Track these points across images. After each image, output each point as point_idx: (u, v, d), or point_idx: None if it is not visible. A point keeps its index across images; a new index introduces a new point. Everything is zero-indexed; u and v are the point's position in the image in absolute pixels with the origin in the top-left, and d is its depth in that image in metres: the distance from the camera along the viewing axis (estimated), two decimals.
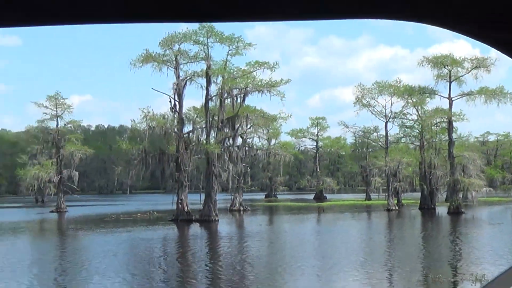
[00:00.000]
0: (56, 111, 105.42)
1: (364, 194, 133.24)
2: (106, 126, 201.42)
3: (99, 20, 2.68)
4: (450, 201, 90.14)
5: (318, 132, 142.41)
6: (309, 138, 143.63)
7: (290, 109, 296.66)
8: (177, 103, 79.73)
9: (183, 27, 79.25)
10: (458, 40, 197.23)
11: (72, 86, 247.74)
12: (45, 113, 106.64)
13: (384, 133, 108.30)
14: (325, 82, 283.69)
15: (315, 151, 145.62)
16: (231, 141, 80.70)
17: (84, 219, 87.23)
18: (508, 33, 2.11)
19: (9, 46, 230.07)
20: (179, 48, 79.75)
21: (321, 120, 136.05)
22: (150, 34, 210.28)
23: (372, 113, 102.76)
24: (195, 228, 71.95)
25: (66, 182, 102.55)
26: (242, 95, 78.88)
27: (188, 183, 79.14)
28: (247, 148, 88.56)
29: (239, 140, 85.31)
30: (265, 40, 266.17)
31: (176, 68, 79.97)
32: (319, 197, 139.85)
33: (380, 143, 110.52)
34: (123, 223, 79.43)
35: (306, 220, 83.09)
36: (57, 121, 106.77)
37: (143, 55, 78.88)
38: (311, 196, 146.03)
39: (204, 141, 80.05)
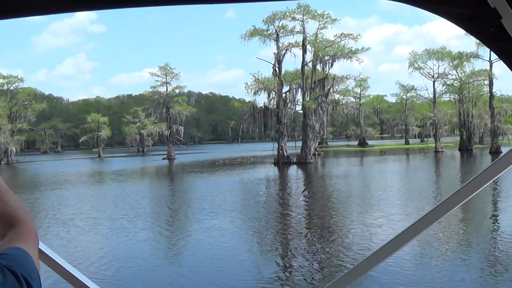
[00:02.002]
0: (166, 78, 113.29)
1: (399, 140, 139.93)
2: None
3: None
4: (492, 143, 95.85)
5: (360, 91, 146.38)
6: (353, 96, 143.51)
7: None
8: (277, 68, 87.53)
9: (282, 7, 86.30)
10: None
11: (146, 61, 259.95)
12: (157, 80, 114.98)
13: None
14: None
15: (358, 106, 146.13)
16: (323, 98, 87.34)
17: (194, 164, 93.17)
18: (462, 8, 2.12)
19: (96, 32, 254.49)
20: (279, 24, 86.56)
21: (363, 82, 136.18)
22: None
23: (422, 74, 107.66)
24: (296, 169, 76.09)
25: (174, 135, 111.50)
26: (331, 61, 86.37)
27: (286, 133, 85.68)
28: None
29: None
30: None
31: (277, 40, 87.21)
32: (362, 143, 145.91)
33: (428, 98, 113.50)
34: (230, 166, 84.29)
35: (381, 161, 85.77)
36: (167, 86, 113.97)
37: (250, 30, 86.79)
38: (355, 143, 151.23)
39: (301, 99, 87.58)
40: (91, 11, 4.84)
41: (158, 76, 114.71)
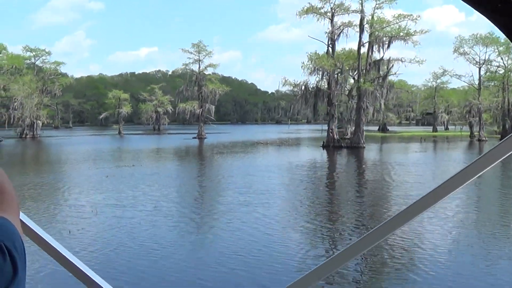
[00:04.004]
0: (199, 56, 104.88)
1: (419, 127, 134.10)
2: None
3: None
4: None
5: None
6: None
7: None
8: (330, 48, 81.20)
9: None
10: (448, 5, 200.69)
11: (143, 40, 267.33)
12: (189, 58, 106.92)
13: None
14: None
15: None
16: (380, 81, 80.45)
17: (233, 144, 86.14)
18: None
19: (95, 10, 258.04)
20: (334, 2, 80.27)
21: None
22: None
23: (467, 60, 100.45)
24: (349, 153, 69.50)
25: (205, 114, 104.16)
26: (387, 42, 78.72)
27: (337, 116, 79.86)
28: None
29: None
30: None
31: (331, 19, 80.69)
32: (383, 129, 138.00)
33: (471, 84, 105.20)
34: (274, 145, 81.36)
35: (427, 148, 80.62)
36: (199, 64, 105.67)
37: (305, 8, 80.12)
38: (375, 128, 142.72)
39: (356, 80, 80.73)
40: None
41: (191, 53, 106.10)
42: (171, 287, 14.69)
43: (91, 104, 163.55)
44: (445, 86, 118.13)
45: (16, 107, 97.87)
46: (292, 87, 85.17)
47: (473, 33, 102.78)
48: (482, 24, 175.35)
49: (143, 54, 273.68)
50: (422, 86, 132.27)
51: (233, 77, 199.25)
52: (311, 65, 79.36)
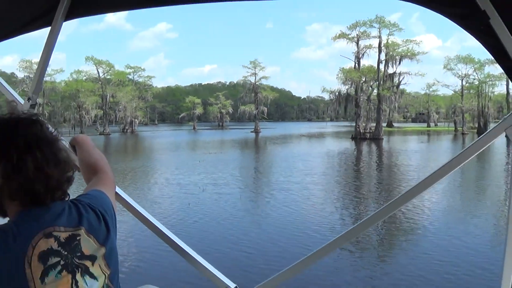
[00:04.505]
0: (255, 70, 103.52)
1: (416, 124, 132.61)
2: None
3: None
4: None
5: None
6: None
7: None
8: (357, 64, 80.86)
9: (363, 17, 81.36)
10: (429, 33, 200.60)
11: (205, 58, 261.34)
12: (247, 72, 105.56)
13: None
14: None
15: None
16: (395, 89, 79.65)
17: (284, 136, 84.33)
18: (458, 8, 2.02)
19: (171, 38, 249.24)
20: (359, 30, 79.93)
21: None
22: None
23: (452, 74, 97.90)
24: (373, 143, 68.22)
25: (260, 113, 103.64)
26: (399, 60, 78.06)
27: (362, 114, 78.27)
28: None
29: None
30: None
31: (357, 42, 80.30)
32: (390, 125, 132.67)
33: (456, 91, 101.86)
34: (315, 138, 79.60)
35: (435, 140, 77.55)
36: (255, 76, 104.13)
37: (338, 34, 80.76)
38: (384, 124, 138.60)
39: (376, 88, 79.81)
40: (161, 7, 2.64)
41: (249, 68, 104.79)
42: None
43: (171, 107, 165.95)
44: (434, 93, 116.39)
45: (121, 109, 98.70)
46: (329, 93, 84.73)
47: (457, 54, 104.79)
48: (454, 48, 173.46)
49: (206, 70, 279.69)
50: (415, 93, 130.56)
51: (274, 86, 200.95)
52: (343, 77, 79.64)
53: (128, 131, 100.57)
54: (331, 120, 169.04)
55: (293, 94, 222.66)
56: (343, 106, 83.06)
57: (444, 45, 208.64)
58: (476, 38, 2.05)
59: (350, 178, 32.07)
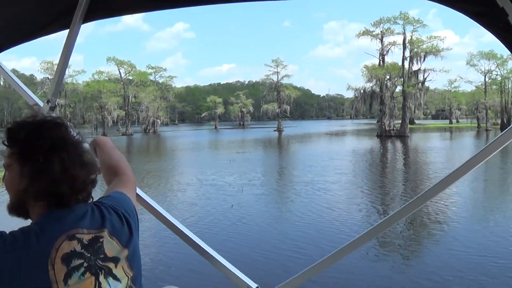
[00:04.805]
0: (277, 69, 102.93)
1: (436, 120, 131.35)
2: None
3: None
4: None
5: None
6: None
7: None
8: (381, 61, 80.00)
9: (387, 14, 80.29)
10: (447, 29, 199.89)
11: (223, 58, 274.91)
12: (269, 70, 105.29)
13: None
14: None
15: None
16: (419, 85, 78.41)
17: (308, 135, 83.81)
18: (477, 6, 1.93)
19: (188, 38, 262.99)
20: (383, 27, 79.30)
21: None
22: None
23: (475, 70, 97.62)
24: (398, 141, 66.95)
25: (282, 112, 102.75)
26: (423, 56, 77.09)
27: (387, 112, 76.97)
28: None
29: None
30: None
31: (381, 39, 79.61)
32: (412, 122, 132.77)
33: (478, 87, 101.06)
34: (339, 136, 79.13)
35: (460, 137, 75.82)
36: (277, 75, 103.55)
37: (362, 31, 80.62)
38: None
39: (401, 85, 79.04)
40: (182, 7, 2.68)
41: (271, 66, 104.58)
42: None
43: (191, 107, 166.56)
44: (456, 89, 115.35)
45: (143, 110, 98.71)
46: (354, 91, 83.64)
47: (480, 50, 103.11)
48: (471, 44, 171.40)
49: (224, 69, 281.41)
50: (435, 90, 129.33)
51: (293, 84, 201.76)
52: (368, 74, 78.75)
53: (150, 131, 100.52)
54: (351, 118, 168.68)
55: (312, 92, 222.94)
56: (368, 103, 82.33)
57: (461, 41, 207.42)
58: (494, 35, 1.98)
59: (388, 177, 31.23)
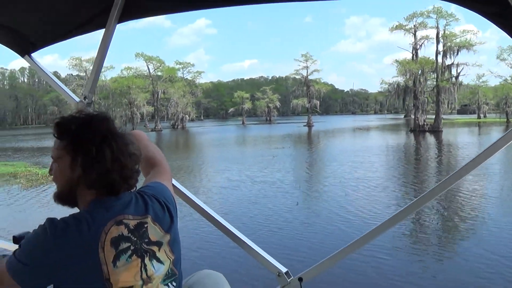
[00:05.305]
0: (306, 64, 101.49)
1: (461, 115, 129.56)
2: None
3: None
4: None
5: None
6: None
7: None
8: (414, 55, 79.30)
9: (421, 8, 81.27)
10: (468, 24, 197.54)
11: (245, 53, 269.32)
12: (298, 65, 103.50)
13: None
14: None
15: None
16: (453, 80, 77.29)
17: (339, 130, 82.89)
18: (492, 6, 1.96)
19: (210, 34, 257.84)
20: (416, 20, 78.49)
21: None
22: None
23: (506, 64, 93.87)
24: (432, 135, 65.85)
25: (312, 107, 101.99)
26: (457, 51, 75.90)
27: (421, 107, 76.31)
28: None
29: None
30: None
31: (414, 33, 79.01)
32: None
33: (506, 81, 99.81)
34: (372, 131, 78.65)
35: (491, 131, 73.26)
36: (307, 70, 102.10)
37: (395, 25, 79.76)
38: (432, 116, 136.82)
39: (434, 79, 78.24)
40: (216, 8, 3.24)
41: (301, 61, 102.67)
42: None
43: (216, 102, 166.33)
44: (485, 84, 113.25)
45: (172, 105, 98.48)
46: (388, 85, 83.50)
47: (509, 45, 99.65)
48: (493, 38, 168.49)
49: (246, 65, 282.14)
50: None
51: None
52: (401, 68, 77.78)
53: (178, 127, 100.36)
54: (375, 113, 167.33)
55: (336, 87, 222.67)
56: (401, 98, 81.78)
57: (483, 35, 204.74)
58: (510, 36, 2.02)
59: (435, 173, 30.41)
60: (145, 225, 1.98)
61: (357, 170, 30.32)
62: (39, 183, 26.78)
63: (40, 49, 3.45)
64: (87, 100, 3.04)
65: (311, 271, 2.73)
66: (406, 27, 78.70)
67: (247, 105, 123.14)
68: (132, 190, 2.08)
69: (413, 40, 78.98)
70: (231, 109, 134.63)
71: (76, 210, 2.01)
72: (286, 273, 2.78)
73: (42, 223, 1.86)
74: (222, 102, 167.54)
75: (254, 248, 2.85)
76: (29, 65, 3.53)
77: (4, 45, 3.41)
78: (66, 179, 1.97)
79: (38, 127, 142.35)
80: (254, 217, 17.16)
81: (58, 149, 1.99)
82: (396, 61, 79.23)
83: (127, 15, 2.81)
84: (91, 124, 1.98)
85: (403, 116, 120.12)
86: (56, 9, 2.94)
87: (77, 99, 3.11)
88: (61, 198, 2.02)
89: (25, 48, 3.40)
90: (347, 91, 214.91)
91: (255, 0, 2.71)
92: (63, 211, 2.03)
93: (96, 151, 1.91)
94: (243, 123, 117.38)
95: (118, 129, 2.04)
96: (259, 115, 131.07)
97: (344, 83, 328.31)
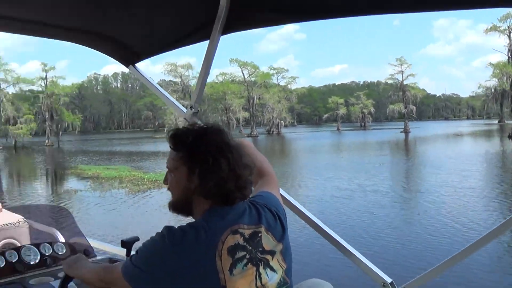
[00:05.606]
0: (401, 68, 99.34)
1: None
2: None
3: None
4: None
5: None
6: None
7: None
8: (510, 57, 76.80)
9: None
10: None
11: (336, 58, 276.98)
12: (393, 69, 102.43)
13: None
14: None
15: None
16: None
17: (438, 136, 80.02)
18: None
19: (299, 39, 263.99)
20: (510, 21, 75.77)
21: None
22: None
23: None
24: None
25: (409, 113, 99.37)
26: None
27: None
28: None
29: None
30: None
31: (509, 35, 76.43)
32: None
33: None
34: (475, 136, 75.81)
35: None
36: (402, 74, 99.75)
37: (490, 27, 77.08)
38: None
39: None
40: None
41: (395, 66, 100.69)
42: None
43: (309, 108, 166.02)
44: None
45: (269, 111, 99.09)
46: (485, 89, 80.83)
47: None
48: None
49: (336, 70, 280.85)
50: None
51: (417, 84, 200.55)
52: (497, 71, 75.58)
53: (274, 133, 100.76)
54: (468, 118, 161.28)
55: (428, 92, 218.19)
56: (499, 102, 79.43)
57: None
58: None
59: None
60: (259, 234, 2.04)
61: (467, 179, 29.22)
62: (147, 188, 27.53)
63: (141, 60, 3.56)
64: (193, 109, 3.10)
65: (415, 282, 2.73)
66: (500, 29, 76.05)
67: (342, 111, 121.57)
68: (245, 200, 2.13)
69: (508, 41, 76.39)
70: (326, 115, 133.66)
71: (190, 219, 2.09)
72: (391, 283, 2.80)
73: (160, 231, 1.94)
74: (315, 108, 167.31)
75: (359, 258, 2.87)
76: (133, 75, 3.68)
77: (108, 55, 3.57)
78: (183, 189, 2.06)
79: (132, 131, 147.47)
80: (378, 229, 16.88)
81: (174, 160, 2.09)
82: (491, 64, 77.09)
83: (230, 27, 2.87)
84: (206, 136, 2.06)
85: (497, 122, 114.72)
86: (161, 21, 3.06)
87: (184, 109, 3.20)
88: (177, 207, 2.12)
89: (129, 59, 3.54)
90: (439, 96, 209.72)
91: (356, 12, 2.67)
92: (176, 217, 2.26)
93: (213, 162, 1.98)
94: (338, 129, 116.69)
95: (232, 141, 2.11)
96: (353, 121, 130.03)
97: (434, 88, 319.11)
